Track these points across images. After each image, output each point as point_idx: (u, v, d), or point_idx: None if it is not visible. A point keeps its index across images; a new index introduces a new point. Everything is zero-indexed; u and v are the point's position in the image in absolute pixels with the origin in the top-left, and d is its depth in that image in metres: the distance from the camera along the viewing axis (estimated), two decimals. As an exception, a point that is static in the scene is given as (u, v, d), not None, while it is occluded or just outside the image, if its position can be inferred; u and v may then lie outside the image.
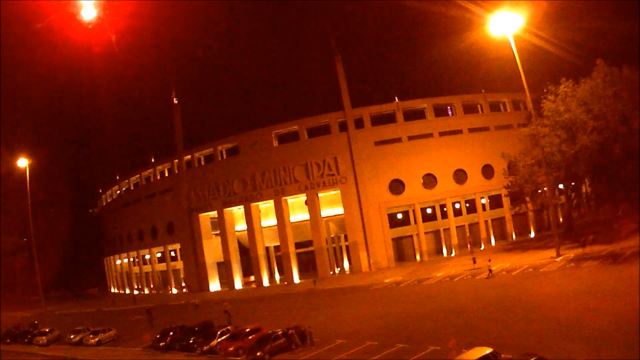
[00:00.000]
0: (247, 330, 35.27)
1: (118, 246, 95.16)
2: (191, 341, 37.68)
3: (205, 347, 35.86)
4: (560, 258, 49.06)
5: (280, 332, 33.04)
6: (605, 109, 52.39)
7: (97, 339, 46.28)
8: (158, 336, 40.37)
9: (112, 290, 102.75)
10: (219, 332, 36.97)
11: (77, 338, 47.78)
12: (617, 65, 54.45)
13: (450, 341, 24.05)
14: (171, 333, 40.05)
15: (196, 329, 39.96)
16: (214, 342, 35.64)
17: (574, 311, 30.04)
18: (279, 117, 79.50)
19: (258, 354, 31.03)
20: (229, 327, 38.56)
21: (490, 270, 47.40)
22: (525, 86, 51.62)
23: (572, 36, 59.18)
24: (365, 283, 58.33)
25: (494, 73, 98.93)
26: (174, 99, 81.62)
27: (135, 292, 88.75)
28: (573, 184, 67.26)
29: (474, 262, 55.19)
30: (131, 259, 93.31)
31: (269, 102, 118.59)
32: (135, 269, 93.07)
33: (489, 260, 49.45)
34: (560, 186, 68.61)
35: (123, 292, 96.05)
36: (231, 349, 33.50)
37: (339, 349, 30.54)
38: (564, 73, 56.58)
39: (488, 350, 21.69)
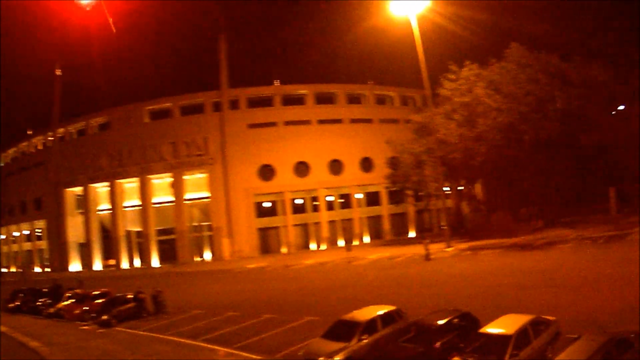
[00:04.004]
0: (95, 293, 33.02)
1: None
2: (39, 303, 35.98)
3: (51, 310, 33.75)
4: (452, 249, 44.02)
5: (130, 296, 29.70)
6: (517, 91, 47.12)
7: None
8: (8, 298, 39.28)
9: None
10: (66, 295, 34.93)
11: None
12: (535, 50, 49.77)
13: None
14: (21, 295, 39.05)
15: (45, 290, 38.77)
16: (61, 305, 33.50)
17: (457, 286, 26.71)
18: (157, 93, 75.77)
19: (104, 317, 27.71)
20: (77, 291, 35.69)
21: (427, 252, 39.86)
22: (424, 67, 47.29)
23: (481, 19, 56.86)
24: (227, 268, 54.52)
25: (387, 65, 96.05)
26: (57, 70, 77.46)
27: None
28: (461, 188, 63.69)
29: (349, 250, 50.98)
30: (2, 237, 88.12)
31: (150, 78, 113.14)
32: (5, 248, 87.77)
33: (428, 242, 41.26)
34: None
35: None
36: (77, 311, 31.26)
37: (195, 318, 26.77)
38: (471, 59, 51.54)
39: (386, 309, 17.64)
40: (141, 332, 25.19)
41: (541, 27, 62.66)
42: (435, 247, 42.68)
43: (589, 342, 12.37)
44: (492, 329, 14.16)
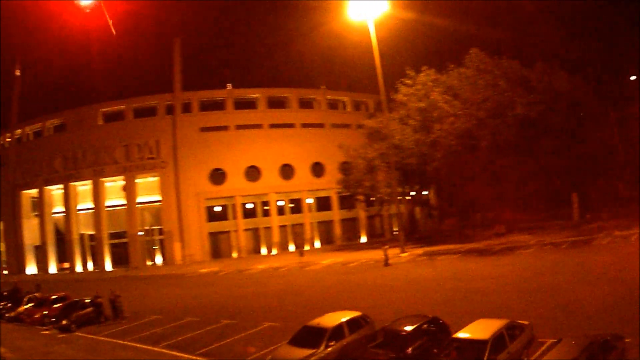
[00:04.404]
0: (54, 297, 33.16)
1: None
2: (0, 307, 35.97)
3: (12, 314, 33.80)
4: (407, 254, 44.15)
5: (88, 301, 30.06)
6: (475, 96, 47.48)
7: None
8: None
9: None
10: (26, 299, 35.05)
11: None
12: (496, 56, 50.08)
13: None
14: None
15: (5, 293, 38.80)
16: (21, 309, 33.61)
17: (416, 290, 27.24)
18: (113, 95, 75.77)
19: (64, 322, 28.08)
20: (36, 295, 36.11)
21: (386, 257, 39.91)
22: (379, 72, 47.30)
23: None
24: (180, 272, 54.88)
25: (343, 70, 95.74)
26: (16, 70, 77.43)
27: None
28: (413, 193, 63.90)
29: (301, 254, 51.02)
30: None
31: (108, 80, 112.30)
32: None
33: (387, 247, 41.26)
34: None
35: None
36: (37, 316, 31.55)
37: (154, 323, 26.90)
38: (431, 65, 52.00)
39: (352, 315, 17.48)
40: (101, 338, 25.27)
41: (503, 33, 62.82)
42: (390, 252, 42.18)
43: (571, 345, 12.29)
44: (467, 334, 13.96)
